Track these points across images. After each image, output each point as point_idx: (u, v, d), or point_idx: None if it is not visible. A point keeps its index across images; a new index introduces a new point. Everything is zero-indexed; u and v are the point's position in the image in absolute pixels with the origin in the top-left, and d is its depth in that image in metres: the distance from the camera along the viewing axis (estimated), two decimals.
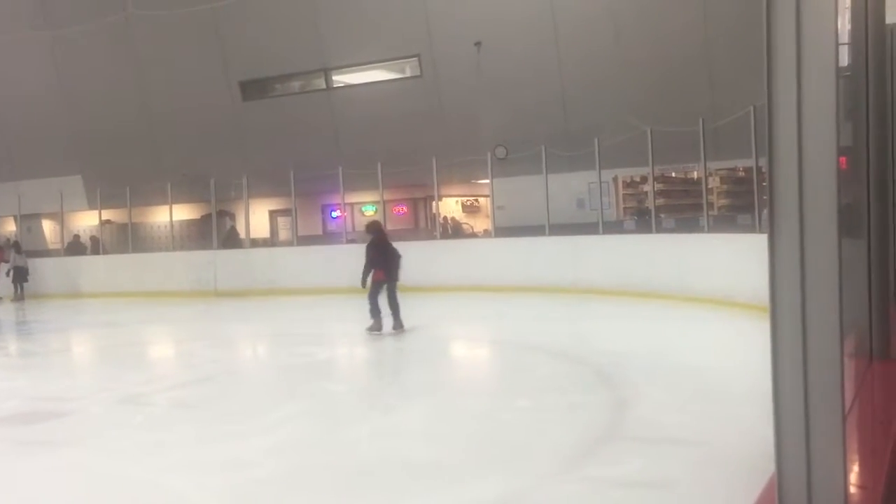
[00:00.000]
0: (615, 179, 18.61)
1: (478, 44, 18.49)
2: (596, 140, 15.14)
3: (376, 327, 10.61)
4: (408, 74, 20.21)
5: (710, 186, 15.14)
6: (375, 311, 10.60)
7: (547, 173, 15.83)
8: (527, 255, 15.63)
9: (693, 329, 10.64)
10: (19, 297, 19.73)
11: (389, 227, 19.46)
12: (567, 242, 15.18)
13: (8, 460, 5.79)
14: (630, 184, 19.42)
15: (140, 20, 21.30)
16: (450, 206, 21.96)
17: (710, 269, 12.03)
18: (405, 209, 22.60)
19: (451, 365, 9.85)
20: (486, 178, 17.31)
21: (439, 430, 6.11)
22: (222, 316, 15.58)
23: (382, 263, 10.70)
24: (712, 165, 14.92)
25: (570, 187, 17.22)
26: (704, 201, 13.29)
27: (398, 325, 10.80)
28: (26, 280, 19.86)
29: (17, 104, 23.37)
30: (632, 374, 7.62)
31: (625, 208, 19.15)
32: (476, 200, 22.65)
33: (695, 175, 18.33)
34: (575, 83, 18.13)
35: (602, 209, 15.30)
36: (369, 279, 10.69)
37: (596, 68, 17.82)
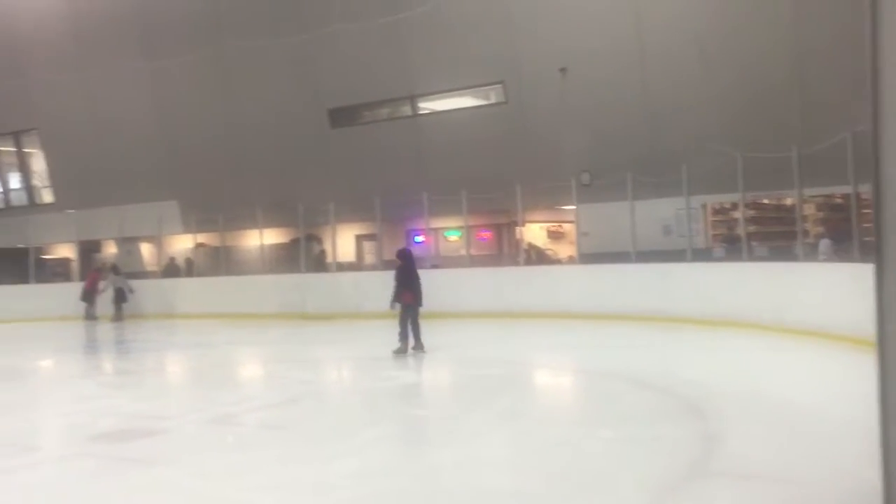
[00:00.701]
0: (704, 206, 18.20)
1: (563, 70, 18.47)
2: (683, 166, 14.88)
3: (403, 350, 11.40)
4: (492, 101, 20.32)
5: (804, 213, 14.64)
6: (404, 335, 11.44)
7: (633, 199, 15.62)
8: (612, 283, 15.43)
9: (786, 361, 10.27)
10: (118, 317, 20.51)
11: (473, 252, 19.58)
12: (653, 270, 14.92)
13: (104, 476, 6.00)
14: (719, 210, 18.95)
15: (234, 51, 22.11)
16: (534, 232, 21.86)
17: (805, 299, 11.60)
18: (489, 235, 22.62)
19: (535, 393, 9.77)
20: (571, 203, 17.19)
21: (522, 458, 6.05)
22: (309, 338, 15.86)
23: (410, 287, 11.58)
24: (806, 192, 14.45)
25: (657, 214, 16.92)
26: (799, 229, 12.87)
27: (419, 346, 11.55)
28: (125, 300, 20.67)
29: (119, 133, 24.52)
30: (721, 406, 7.39)
31: (714, 235, 18.68)
32: (560, 226, 22.49)
33: (788, 202, 17.75)
34: (661, 108, 17.87)
35: (690, 236, 14.98)
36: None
37: (683, 92, 17.54)
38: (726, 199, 17.68)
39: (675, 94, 17.64)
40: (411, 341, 11.54)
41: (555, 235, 22.60)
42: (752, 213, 17.70)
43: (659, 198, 16.62)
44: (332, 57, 21.05)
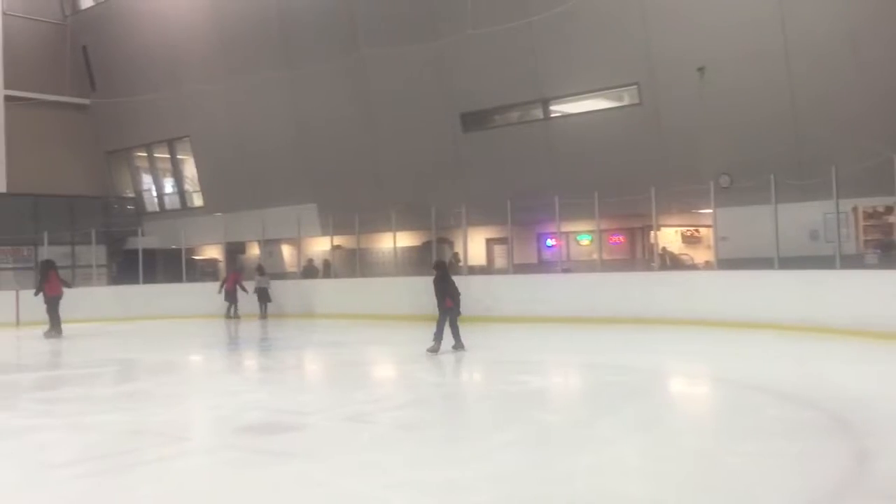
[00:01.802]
0: (854, 210, 17.16)
1: (701, 69, 17.86)
2: (833, 168, 14.09)
3: (436, 349, 12.52)
4: (626, 102, 19.93)
5: None
6: (439, 336, 12.57)
7: (776, 203, 14.94)
8: (753, 290, 14.79)
9: None
10: (263, 315, 21.45)
11: (605, 256, 19.27)
12: (798, 277, 14.20)
13: (247, 468, 6.30)
14: (872, 214, 17.79)
15: (369, 59, 22.72)
16: (669, 237, 21.29)
17: None
18: (622, 239, 22.20)
19: (671, 401, 9.51)
20: (709, 207, 16.62)
21: (657, 468, 5.90)
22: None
23: (449, 294, 12.78)
24: None
25: (802, 218, 16.09)
26: None
27: (459, 345, 12.74)
28: (270, 300, 21.59)
29: (263, 140, 25.72)
30: (874, 421, 6.96)
31: (866, 241, 17.58)
32: (697, 231, 21.79)
33: None
34: (808, 107, 16.97)
35: (840, 242, 14.16)
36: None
37: (831, 90, 16.61)
38: (879, 202, 16.61)
39: (823, 91, 16.72)
40: (449, 342, 12.66)
41: (691, 240, 21.91)
42: None
43: (805, 201, 15.82)
44: (465, 62, 21.26)
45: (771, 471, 5.69)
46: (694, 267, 20.07)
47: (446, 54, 21.39)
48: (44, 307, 18.08)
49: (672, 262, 19.88)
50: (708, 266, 18.59)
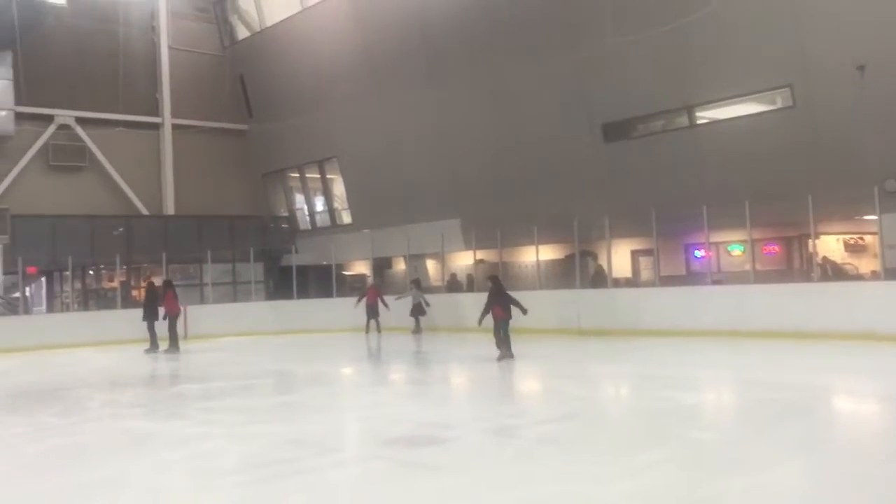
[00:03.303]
0: None
1: (861, 67, 16.78)
2: None
3: (505, 355, 13.90)
4: (779, 106, 19.02)
5: None
6: (500, 343, 14.03)
7: None
8: None
9: None
10: (417, 329, 21.79)
11: (759, 267, 18.42)
12: None
13: (395, 479, 6.46)
14: None
15: (510, 73, 22.81)
16: (829, 245, 20.09)
17: None
18: (776, 248, 21.14)
19: (833, 421, 8.94)
20: (873, 213, 15.56)
21: (821, 492, 5.59)
22: (585, 354, 15.87)
23: (501, 304, 14.04)
24: None
25: None
26: None
27: (509, 354, 13.95)
28: (423, 314, 21.91)
29: (407, 157, 26.37)
30: None
31: None
32: (861, 238, 20.44)
33: None
34: None
35: None
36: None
37: None
38: None
39: None
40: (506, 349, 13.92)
41: (854, 248, 20.58)
42: None
43: None
44: (606, 72, 20.98)
45: None
46: (858, 277, 18.83)
47: (587, 65, 21.18)
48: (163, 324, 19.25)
49: (833, 272, 18.73)
50: (874, 276, 17.41)
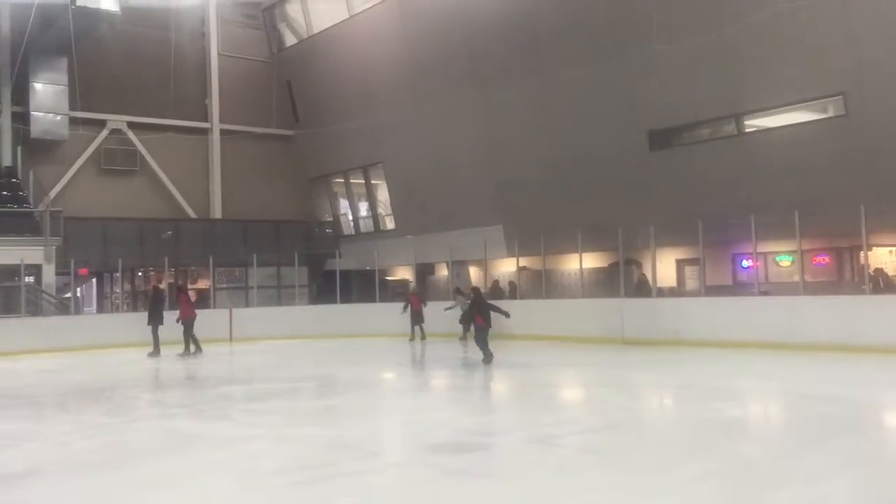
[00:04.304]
0: None
1: None
2: None
3: (488, 360, 15.16)
4: (830, 114, 18.66)
5: None
6: (483, 348, 15.37)
7: None
8: None
9: None
10: (465, 336, 21.66)
11: (808, 278, 18.05)
12: None
13: (437, 485, 6.48)
14: None
15: (555, 80, 22.74)
16: (882, 257, 19.62)
17: None
18: (827, 259, 20.71)
19: (884, 437, 8.72)
20: None
21: None
22: (629, 364, 15.71)
23: (481, 314, 15.58)
24: None
25: None
26: None
27: (490, 357, 15.20)
28: (471, 321, 21.68)
29: (450, 164, 26.41)
30: None
31: None
32: None
33: None
34: None
35: None
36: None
37: None
38: None
39: None
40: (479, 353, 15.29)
41: None
42: None
43: None
44: (652, 79, 20.78)
45: None
46: None
47: (633, 71, 21.01)
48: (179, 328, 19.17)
49: (887, 285, 18.27)
50: None
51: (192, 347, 19.21)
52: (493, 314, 15.76)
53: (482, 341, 15.51)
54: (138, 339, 19.87)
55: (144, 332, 19.31)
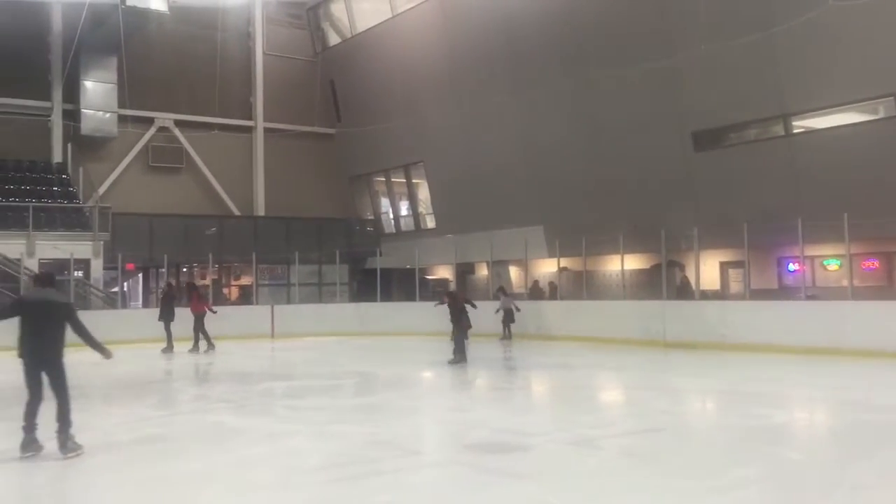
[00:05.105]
0: None
1: None
2: None
3: (460, 360, 15.47)
4: (881, 115, 18.24)
5: None
6: (459, 349, 15.59)
7: None
8: None
9: None
10: (506, 336, 21.64)
11: (857, 282, 17.67)
12: None
13: (473, 485, 6.49)
14: None
15: (597, 79, 22.55)
16: None
17: None
18: (876, 264, 20.24)
19: None
20: None
21: None
22: (671, 367, 15.55)
23: (462, 316, 15.81)
24: None
25: None
26: None
27: (463, 359, 15.51)
28: (513, 321, 21.71)
29: (491, 163, 26.34)
30: None
31: None
32: None
33: None
34: None
35: None
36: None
37: None
38: None
39: None
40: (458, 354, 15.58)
41: None
42: None
43: None
44: (697, 78, 20.50)
45: None
46: None
47: (678, 71, 20.75)
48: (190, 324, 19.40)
49: None
50: None
51: (204, 345, 19.44)
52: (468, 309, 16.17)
53: (461, 343, 15.70)
54: (183, 333, 20.15)
55: (187, 327, 19.58)
